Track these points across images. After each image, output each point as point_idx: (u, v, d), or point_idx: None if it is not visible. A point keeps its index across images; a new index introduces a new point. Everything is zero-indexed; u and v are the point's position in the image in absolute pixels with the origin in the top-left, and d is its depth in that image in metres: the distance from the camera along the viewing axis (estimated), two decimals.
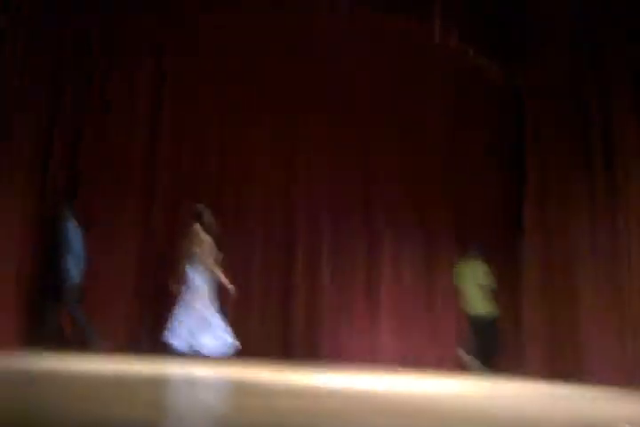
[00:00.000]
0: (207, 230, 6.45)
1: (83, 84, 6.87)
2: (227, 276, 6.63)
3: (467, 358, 7.28)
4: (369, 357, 7.34)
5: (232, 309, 6.80)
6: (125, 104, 7.05)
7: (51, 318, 6.14)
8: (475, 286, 7.39)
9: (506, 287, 7.66)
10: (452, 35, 7.42)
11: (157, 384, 4.15)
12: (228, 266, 6.72)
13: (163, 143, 7.21)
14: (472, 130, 8.20)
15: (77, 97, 6.81)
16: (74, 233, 6.37)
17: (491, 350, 7.26)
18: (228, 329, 6.33)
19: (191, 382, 4.60)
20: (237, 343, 6.30)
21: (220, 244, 6.56)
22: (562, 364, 6.83)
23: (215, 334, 6.24)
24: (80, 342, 6.19)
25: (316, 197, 7.62)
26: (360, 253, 7.67)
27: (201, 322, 6.20)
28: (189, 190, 7.14)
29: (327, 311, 7.39)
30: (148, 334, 6.67)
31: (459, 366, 7.30)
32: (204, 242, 6.37)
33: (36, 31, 6.00)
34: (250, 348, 6.56)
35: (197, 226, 6.42)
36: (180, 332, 6.18)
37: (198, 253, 6.34)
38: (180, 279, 6.30)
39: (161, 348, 6.29)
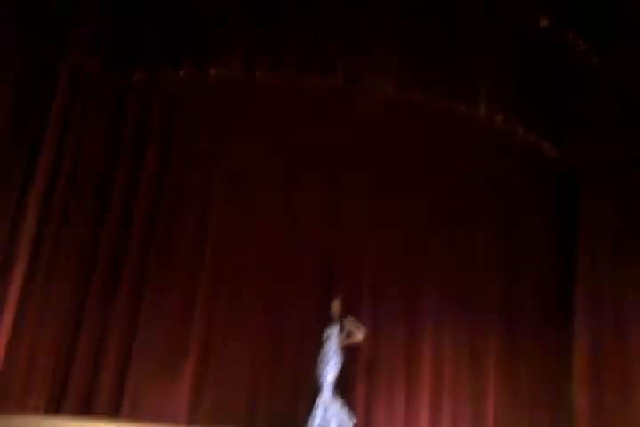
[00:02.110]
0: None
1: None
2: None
3: None
4: None
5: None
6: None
7: None
8: None
9: (556, 374, 7.38)
10: (500, 114, 7.56)
11: None
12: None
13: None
14: (523, 210, 8.06)
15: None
16: None
17: None
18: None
19: None
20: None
21: None
22: None
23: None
24: None
25: (356, 276, 7.51)
26: (400, 341, 7.38)
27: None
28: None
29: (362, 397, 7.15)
30: None
31: None
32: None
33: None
34: None
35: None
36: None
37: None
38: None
39: None
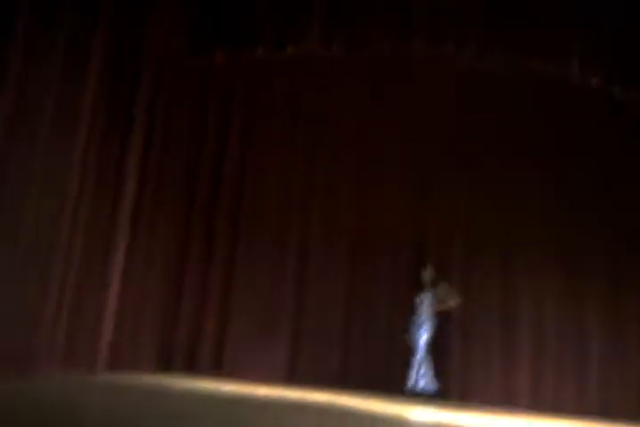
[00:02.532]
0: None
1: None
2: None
3: None
4: (503, 398, 6.94)
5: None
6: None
7: None
8: None
9: None
10: (596, 75, 7.23)
11: None
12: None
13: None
14: (621, 169, 7.75)
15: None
16: None
17: None
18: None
19: None
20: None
21: None
22: None
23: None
24: None
25: (448, 239, 7.45)
26: (495, 304, 7.26)
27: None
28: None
29: (458, 362, 7.12)
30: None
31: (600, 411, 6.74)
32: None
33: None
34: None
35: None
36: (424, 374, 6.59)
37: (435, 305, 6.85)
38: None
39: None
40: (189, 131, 7.20)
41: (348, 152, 7.62)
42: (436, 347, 6.75)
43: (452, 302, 6.86)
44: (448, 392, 6.81)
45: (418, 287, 6.88)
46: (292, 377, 6.85)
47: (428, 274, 6.89)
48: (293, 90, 7.76)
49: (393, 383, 6.67)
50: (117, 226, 5.71)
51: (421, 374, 6.54)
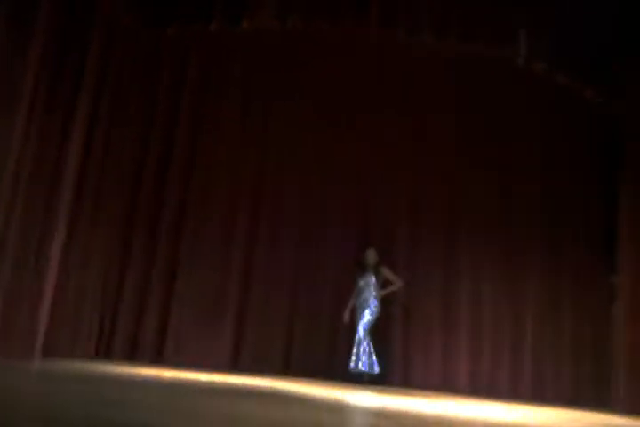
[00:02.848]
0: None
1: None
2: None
3: None
4: (443, 381, 7.15)
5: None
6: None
7: None
8: None
9: (597, 317, 7.42)
10: (541, 61, 7.34)
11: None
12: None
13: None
14: (565, 153, 7.97)
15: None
16: None
17: None
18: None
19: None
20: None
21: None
22: None
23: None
24: None
25: (392, 223, 7.56)
26: (437, 288, 7.45)
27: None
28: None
29: (399, 345, 7.27)
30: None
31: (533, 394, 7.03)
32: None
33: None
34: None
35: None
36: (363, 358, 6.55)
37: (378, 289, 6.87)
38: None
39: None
40: (138, 109, 6.97)
41: (299, 132, 7.59)
42: (378, 331, 6.80)
43: (395, 287, 6.93)
44: (390, 376, 6.94)
45: (361, 270, 6.91)
46: (236, 364, 6.85)
47: (370, 257, 6.91)
48: (247, 65, 7.61)
49: (337, 369, 6.75)
50: (56, 213, 5.50)
51: (362, 357, 6.51)
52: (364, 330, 6.65)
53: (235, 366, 6.79)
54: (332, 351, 7.02)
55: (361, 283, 6.87)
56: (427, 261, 7.47)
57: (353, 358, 6.53)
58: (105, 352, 6.38)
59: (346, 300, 6.89)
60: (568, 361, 7.38)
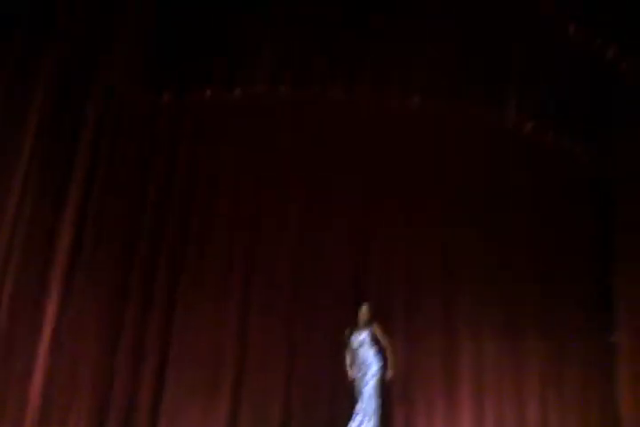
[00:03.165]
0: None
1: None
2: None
3: None
4: None
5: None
6: None
7: None
8: None
9: (601, 379, 7.32)
10: (530, 122, 7.49)
11: None
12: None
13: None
14: (558, 216, 7.98)
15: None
16: None
17: None
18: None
19: None
20: None
21: None
22: None
23: None
24: None
25: (391, 282, 7.55)
26: (437, 352, 7.34)
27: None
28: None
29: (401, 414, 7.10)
30: None
31: None
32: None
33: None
34: None
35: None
36: None
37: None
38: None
39: None
40: (133, 175, 6.99)
41: (294, 193, 7.66)
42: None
43: (390, 373, 6.60)
44: None
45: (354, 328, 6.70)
46: None
47: (363, 312, 6.71)
48: (241, 132, 7.70)
49: None
50: (49, 281, 5.44)
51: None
52: (370, 396, 6.36)
53: None
54: (334, 416, 6.78)
55: (354, 343, 6.61)
56: (425, 323, 7.37)
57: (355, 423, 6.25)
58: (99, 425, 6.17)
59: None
60: (574, 422, 7.24)
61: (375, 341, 6.62)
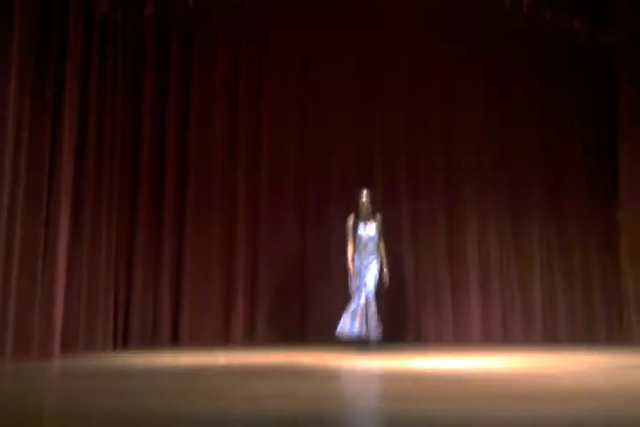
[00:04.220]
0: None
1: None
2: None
3: None
4: (454, 333, 7.29)
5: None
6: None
7: None
8: None
9: (604, 256, 7.55)
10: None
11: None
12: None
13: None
14: (560, 89, 7.91)
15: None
16: None
17: None
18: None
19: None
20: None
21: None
22: None
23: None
24: None
25: (393, 167, 7.57)
26: (443, 239, 7.50)
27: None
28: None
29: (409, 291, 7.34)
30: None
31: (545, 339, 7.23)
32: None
33: None
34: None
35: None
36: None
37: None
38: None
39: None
40: (125, 91, 6.76)
41: (293, 88, 7.61)
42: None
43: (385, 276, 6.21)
44: (403, 335, 7.04)
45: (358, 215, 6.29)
46: (251, 340, 6.93)
47: (365, 200, 6.24)
48: (231, 38, 7.49)
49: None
50: (59, 203, 5.46)
51: (370, 320, 5.94)
52: (372, 293, 6.03)
53: (250, 342, 6.89)
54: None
55: (361, 233, 6.18)
56: (430, 210, 7.52)
57: (358, 321, 5.91)
58: (122, 342, 6.47)
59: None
60: (579, 301, 7.50)
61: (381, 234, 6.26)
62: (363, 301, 5.98)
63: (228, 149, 7.33)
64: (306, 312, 7.16)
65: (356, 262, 6.15)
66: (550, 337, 7.32)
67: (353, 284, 6.12)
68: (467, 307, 7.38)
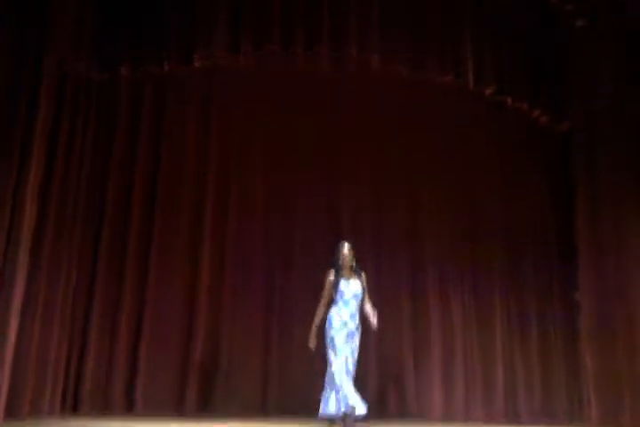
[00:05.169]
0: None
1: None
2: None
3: None
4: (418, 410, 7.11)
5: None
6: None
7: None
8: None
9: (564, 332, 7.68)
10: (489, 86, 7.52)
11: None
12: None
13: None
14: (520, 172, 8.19)
15: None
16: None
17: None
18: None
19: None
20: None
21: None
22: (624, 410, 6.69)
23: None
24: None
25: (360, 238, 7.51)
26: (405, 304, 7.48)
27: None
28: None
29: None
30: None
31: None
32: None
33: None
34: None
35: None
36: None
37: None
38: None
39: None
40: (94, 152, 6.78)
41: (259, 159, 7.64)
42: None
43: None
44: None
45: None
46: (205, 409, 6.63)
47: (347, 254, 5.51)
48: (203, 103, 7.62)
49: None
50: (15, 261, 5.29)
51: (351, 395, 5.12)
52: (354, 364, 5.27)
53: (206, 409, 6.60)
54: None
55: (343, 289, 5.39)
56: (394, 288, 7.45)
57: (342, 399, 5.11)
58: (72, 407, 6.14)
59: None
60: (539, 379, 7.51)
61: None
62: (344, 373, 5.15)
63: (194, 207, 7.29)
64: (268, 383, 6.93)
65: (335, 323, 5.32)
66: (512, 415, 7.23)
67: (333, 352, 5.23)
68: (429, 383, 7.28)
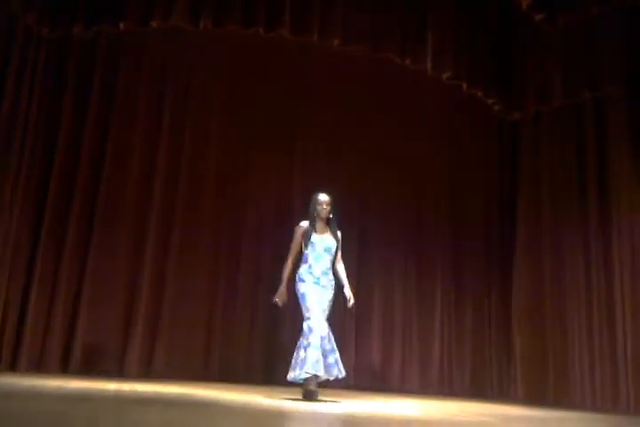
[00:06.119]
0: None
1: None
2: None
3: None
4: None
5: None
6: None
7: None
8: None
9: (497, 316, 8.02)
10: (446, 71, 7.68)
11: None
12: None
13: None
14: (468, 160, 8.44)
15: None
16: None
17: None
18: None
19: None
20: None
21: None
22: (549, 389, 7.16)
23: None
24: None
25: None
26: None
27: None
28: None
29: None
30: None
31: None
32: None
33: None
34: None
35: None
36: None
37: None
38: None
39: None
40: (40, 112, 6.53)
41: (213, 134, 7.54)
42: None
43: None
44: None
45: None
46: (150, 372, 6.57)
47: (325, 205, 5.09)
48: (158, 67, 7.40)
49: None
50: None
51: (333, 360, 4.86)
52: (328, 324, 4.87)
53: (149, 375, 6.52)
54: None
55: (315, 240, 4.97)
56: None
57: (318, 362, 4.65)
58: (10, 363, 6.03)
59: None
60: (471, 355, 7.88)
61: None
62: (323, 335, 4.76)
63: (144, 173, 7.11)
64: (211, 348, 6.95)
65: (306, 277, 4.94)
66: (445, 387, 7.57)
67: (307, 307, 4.83)
68: (368, 355, 7.50)
